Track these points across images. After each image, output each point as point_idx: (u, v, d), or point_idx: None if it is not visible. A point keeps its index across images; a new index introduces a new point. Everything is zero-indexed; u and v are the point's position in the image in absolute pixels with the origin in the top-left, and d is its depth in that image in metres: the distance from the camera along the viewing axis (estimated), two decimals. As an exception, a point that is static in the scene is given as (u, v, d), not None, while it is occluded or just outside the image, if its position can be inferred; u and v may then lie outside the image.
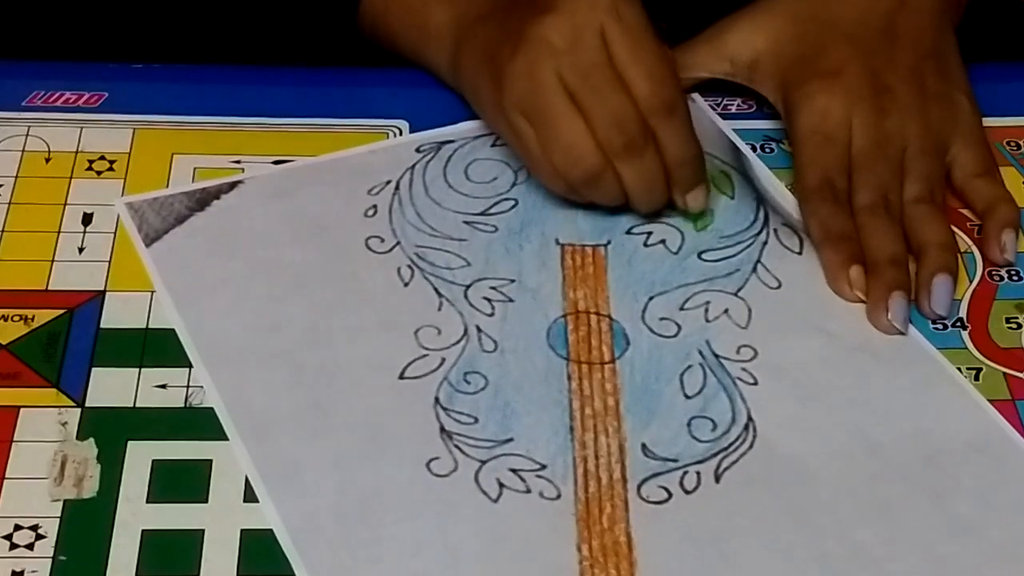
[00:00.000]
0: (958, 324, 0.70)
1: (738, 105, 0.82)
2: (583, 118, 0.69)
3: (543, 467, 0.63)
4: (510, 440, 0.64)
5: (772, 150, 0.79)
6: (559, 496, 0.62)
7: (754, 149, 0.79)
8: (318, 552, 0.60)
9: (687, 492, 0.63)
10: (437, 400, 0.66)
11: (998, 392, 0.67)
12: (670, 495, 0.63)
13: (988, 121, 0.80)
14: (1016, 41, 0.86)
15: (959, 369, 0.68)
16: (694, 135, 0.71)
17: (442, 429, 0.65)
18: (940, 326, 0.70)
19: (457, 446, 0.64)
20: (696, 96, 0.81)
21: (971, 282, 0.73)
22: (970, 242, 0.75)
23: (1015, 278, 0.73)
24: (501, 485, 0.63)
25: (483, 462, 0.63)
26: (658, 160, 0.71)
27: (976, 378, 0.68)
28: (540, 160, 0.72)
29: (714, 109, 0.81)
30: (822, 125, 0.74)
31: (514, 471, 0.63)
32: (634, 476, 0.63)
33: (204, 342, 0.67)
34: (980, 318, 0.71)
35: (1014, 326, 0.70)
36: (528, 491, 0.62)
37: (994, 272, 0.73)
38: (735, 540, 0.61)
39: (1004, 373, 0.68)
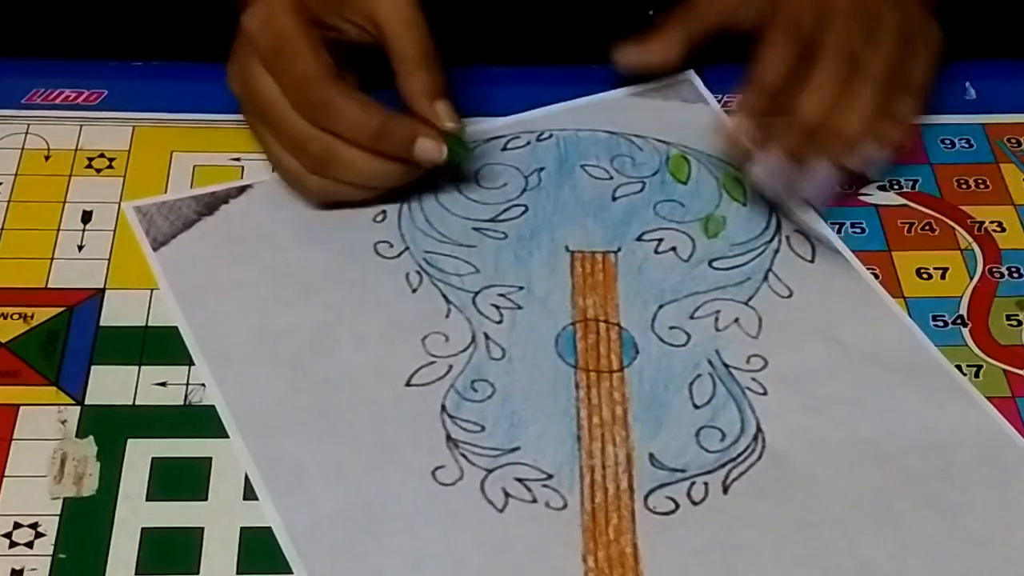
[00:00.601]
0: (958, 321, 0.70)
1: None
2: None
3: (549, 477, 0.63)
4: (517, 449, 0.64)
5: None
6: (565, 506, 0.62)
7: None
8: (322, 560, 0.60)
9: (695, 503, 0.62)
10: (444, 408, 0.65)
11: (998, 389, 0.67)
12: (677, 506, 0.62)
13: (990, 119, 0.80)
14: (1016, 41, 0.85)
15: (959, 367, 0.68)
16: (367, 108, 0.69)
17: (448, 437, 0.64)
18: (941, 323, 0.70)
19: (463, 454, 0.64)
20: (709, 97, 0.81)
21: (971, 279, 0.72)
22: (971, 239, 0.74)
23: (1015, 275, 0.73)
24: (507, 494, 0.62)
25: (489, 471, 0.63)
26: (338, 145, 0.69)
27: (976, 375, 0.68)
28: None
29: (718, 105, 0.80)
30: (797, 29, 0.73)
31: (520, 480, 0.63)
32: (641, 486, 0.63)
33: (211, 346, 0.67)
34: (980, 315, 0.70)
35: (1014, 323, 0.70)
36: (534, 501, 0.62)
37: (994, 269, 0.73)
38: (743, 552, 0.61)
39: (1004, 370, 0.68)
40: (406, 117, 0.70)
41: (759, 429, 0.65)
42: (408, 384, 0.66)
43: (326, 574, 0.59)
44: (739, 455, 0.64)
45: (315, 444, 0.64)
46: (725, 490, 0.63)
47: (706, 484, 0.63)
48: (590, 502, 0.62)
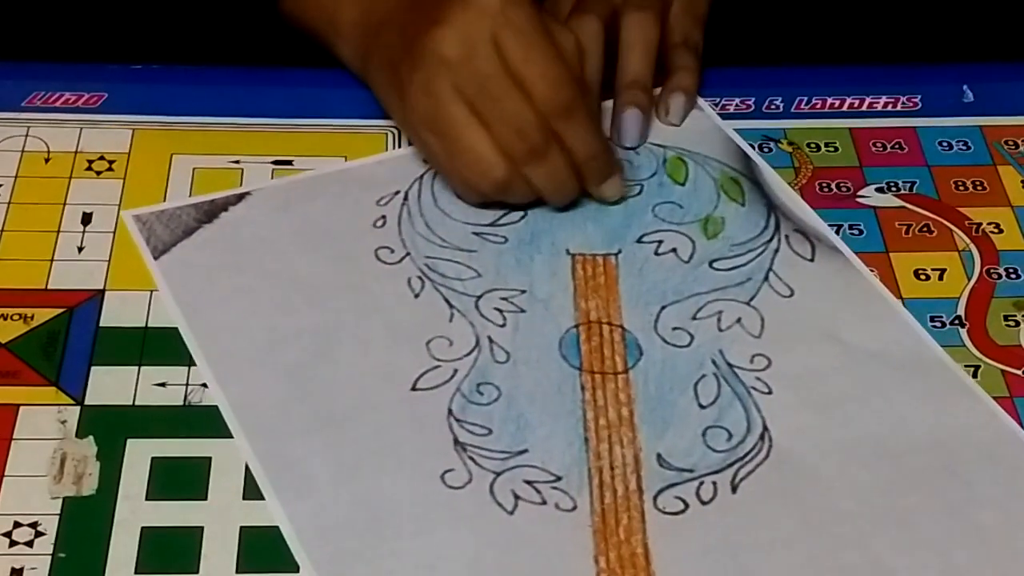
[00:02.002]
0: (956, 322, 0.70)
1: (736, 105, 0.82)
2: (485, 129, 0.70)
3: (558, 478, 0.63)
4: (524, 451, 0.64)
5: (771, 150, 0.79)
6: (575, 508, 0.62)
7: (752, 149, 0.79)
8: (333, 565, 0.59)
9: (704, 503, 0.62)
10: (450, 412, 0.65)
11: (996, 389, 0.68)
12: (687, 506, 0.62)
13: (987, 121, 0.81)
14: (1014, 43, 0.86)
15: (957, 367, 0.69)
16: (597, 129, 0.73)
17: (456, 441, 0.64)
18: (938, 324, 0.70)
19: (471, 458, 0.64)
20: (702, 102, 0.81)
21: (969, 280, 0.73)
22: (968, 241, 0.74)
23: (1013, 276, 0.73)
24: (516, 497, 0.62)
25: (498, 474, 0.63)
26: (564, 158, 0.71)
27: (974, 376, 0.68)
28: (450, 172, 0.72)
29: (712, 109, 0.81)
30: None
31: (529, 483, 0.63)
32: (650, 487, 0.63)
33: (214, 354, 0.67)
34: (978, 316, 0.71)
35: (1012, 324, 0.70)
36: (544, 503, 0.62)
37: (992, 270, 0.73)
38: (753, 551, 0.61)
39: (1002, 371, 0.68)
40: (613, 151, 0.74)
41: (765, 428, 0.65)
42: (414, 388, 0.66)
43: (340, 581, 0.59)
44: (746, 454, 0.64)
45: (322, 449, 0.63)
46: (734, 489, 0.63)
47: (715, 483, 0.63)
48: (599, 503, 0.62)
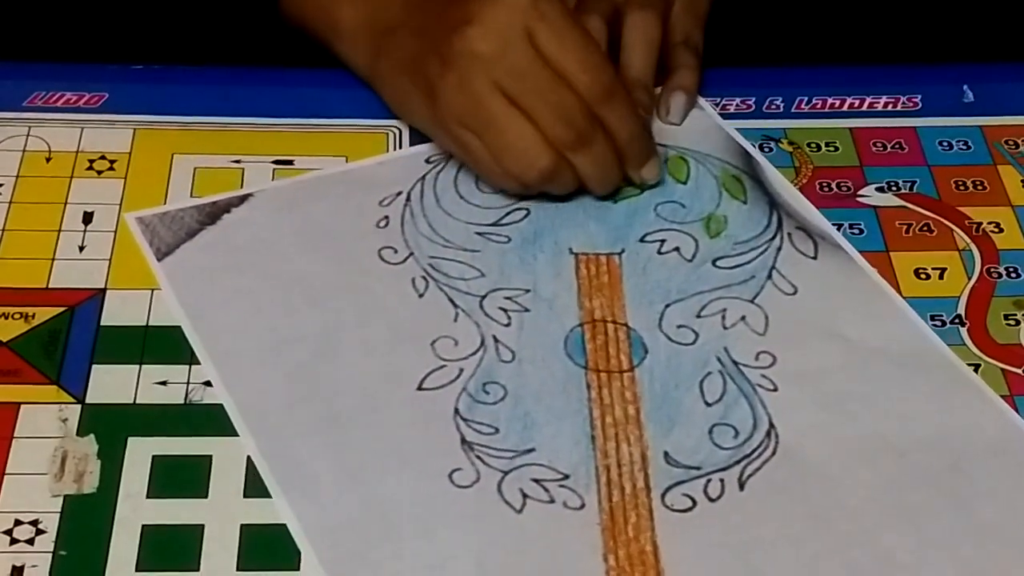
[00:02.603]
0: (956, 321, 0.70)
1: (736, 105, 0.82)
2: (528, 120, 0.70)
3: (566, 477, 0.63)
4: (532, 450, 0.64)
5: (771, 149, 0.79)
6: (583, 506, 0.62)
7: (752, 147, 0.79)
8: (342, 566, 0.59)
9: (711, 500, 0.62)
10: (457, 411, 0.65)
11: (997, 388, 0.68)
12: (694, 503, 0.62)
13: (988, 121, 0.81)
14: (1016, 41, 0.86)
15: (958, 364, 0.69)
16: (636, 111, 0.73)
17: (463, 440, 0.64)
18: (939, 323, 0.70)
19: (479, 457, 0.63)
20: (702, 100, 0.81)
21: (969, 279, 0.73)
22: (969, 240, 0.75)
23: (1013, 275, 0.73)
24: (524, 495, 0.62)
25: (505, 472, 0.63)
26: (609, 144, 0.72)
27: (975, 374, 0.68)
28: (491, 166, 0.72)
29: (713, 108, 0.81)
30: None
31: (537, 481, 0.63)
32: (658, 484, 0.63)
33: (220, 355, 0.67)
34: (978, 315, 0.71)
35: (1012, 323, 0.71)
36: (552, 501, 0.62)
37: (992, 269, 0.73)
38: (761, 548, 0.61)
39: (1002, 369, 0.68)
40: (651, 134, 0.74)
41: (771, 425, 0.65)
42: (420, 388, 0.66)
43: (350, 580, 0.59)
44: (753, 451, 0.64)
45: (330, 449, 0.63)
46: (741, 486, 0.63)
47: (722, 481, 0.63)
48: (607, 501, 0.62)
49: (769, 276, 0.72)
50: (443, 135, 0.74)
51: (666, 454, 0.64)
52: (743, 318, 0.70)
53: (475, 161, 0.73)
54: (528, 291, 0.71)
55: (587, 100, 0.70)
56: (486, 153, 0.72)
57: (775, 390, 0.67)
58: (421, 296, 0.70)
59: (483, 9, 0.70)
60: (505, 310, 0.70)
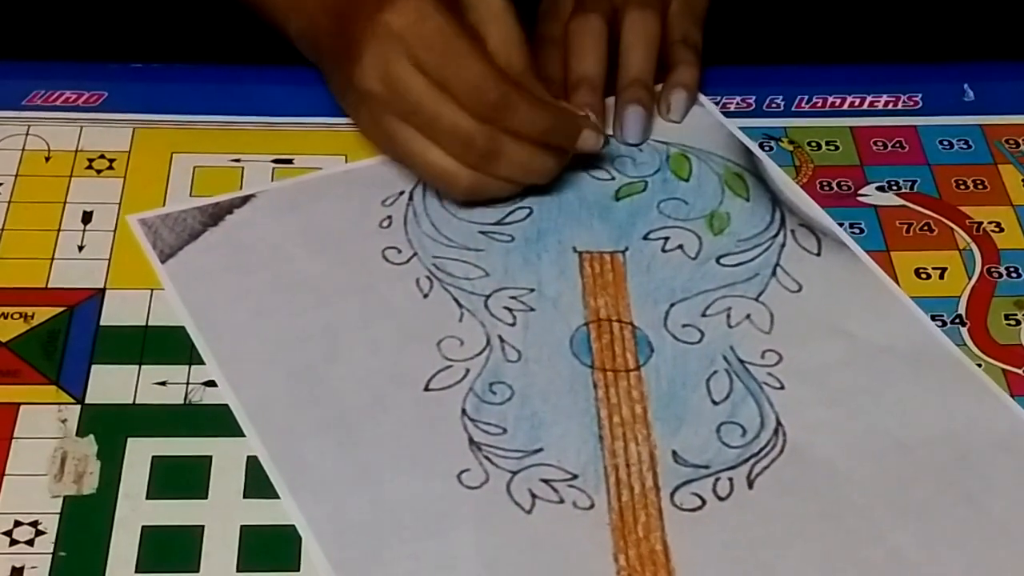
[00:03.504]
0: (957, 321, 0.71)
1: (737, 103, 0.82)
2: (436, 146, 0.71)
3: (575, 477, 0.63)
4: (540, 450, 0.64)
5: (771, 148, 0.79)
6: (592, 506, 0.62)
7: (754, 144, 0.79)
8: (352, 568, 0.59)
9: (721, 499, 0.62)
10: (464, 411, 0.65)
11: (997, 388, 0.68)
12: (704, 502, 0.62)
13: (988, 120, 0.81)
14: (1016, 40, 0.86)
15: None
16: (541, 103, 0.70)
17: (471, 440, 0.64)
18: (939, 323, 0.70)
19: (487, 457, 0.63)
20: (703, 98, 0.81)
21: (970, 279, 0.73)
22: (969, 240, 0.75)
23: (1014, 275, 0.73)
24: (533, 496, 0.62)
25: (514, 473, 0.63)
26: (521, 145, 0.70)
27: (976, 374, 0.69)
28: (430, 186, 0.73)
29: (714, 105, 0.81)
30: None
31: (546, 481, 0.63)
32: (667, 484, 0.63)
33: (225, 358, 0.66)
34: (979, 315, 0.71)
35: (1013, 323, 0.71)
36: (561, 501, 0.62)
37: (993, 269, 0.73)
38: (772, 547, 0.61)
39: (1003, 369, 0.69)
40: (569, 110, 0.72)
41: (779, 423, 0.65)
42: (426, 389, 0.66)
43: (360, 583, 0.59)
44: (761, 450, 0.64)
45: (337, 450, 0.63)
46: (750, 485, 0.63)
47: (731, 479, 0.63)
48: (617, 501, 0.62)
49: (773, 273, 0.72)
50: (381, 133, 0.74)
51: (674, 453, 0.64)
52: (748, 316, 0.70)
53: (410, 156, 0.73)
54: (533, 290, 0.70)
55: (481, 119, 0.69)
56: (417, 176, 0.73)
57: (782, 388, 0.67)
58: (426, 296, 0.70)
59: (366, 44, 0.70)
60: (510, 309, 0.70)
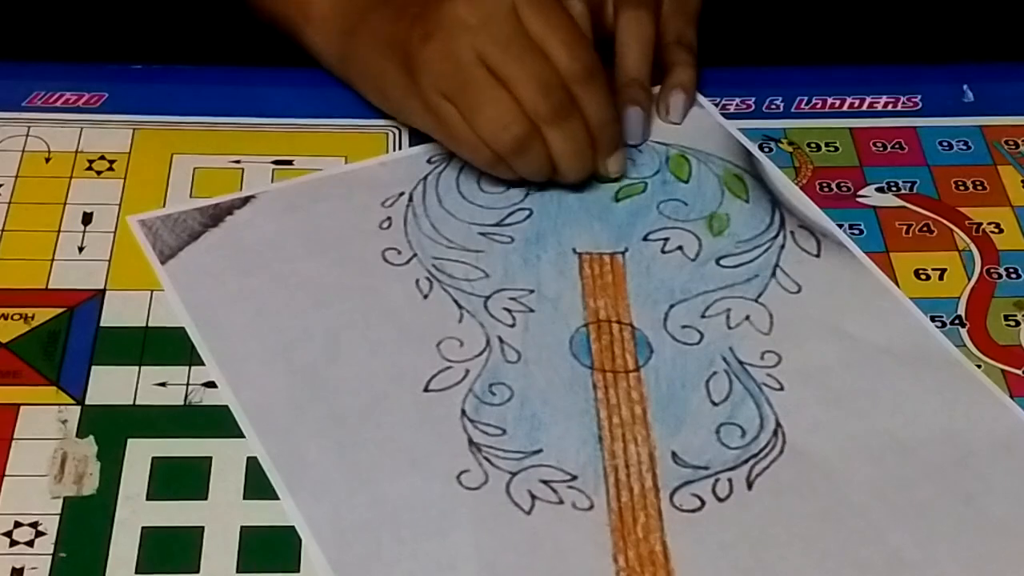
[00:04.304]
0: (956, 322, 0.71)
1: (736, 105, 0.82)
2: (506, 89, 0.70)
3: (574, 477, 0.63)
4: (539, 451, 0.64)
5: (771, 149, 0.79)
6: (592, 506, 0.62)
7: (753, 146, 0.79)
8: (352, 568, 0.59)
9: (720, 500, 0.62)
10: (463, 412, 0.65)
11: (997, 389, 0.68)
12: (703, 503, 0.62)
13: (988, 121, 0.81)
14: (1016, 41, 0.86)
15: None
16: (612, 98, 0.73)
17: (471, 441, 0.64)
18: (939, 324, 0.70)
19: (487, 458, 0.63)
20: (703, 99, 0.81)
21: (969, 280, 0.73)
22: (969, 241, 0.75)
23: (1013, 276, 0.73)
24: (533, 497, 0.62)
25: (513, 474, 0.63)
26: (583, 123, 0.72)
27: (976, 374, 0.69)
28: (465, 135, 0.72)
29: (713, 106, 0.81)
30: None
31: (545, 482, 0.63)
32: (666, 485, 0.63)
33: (226, 359, 0.66)
34: (978, 316, 0.71)
35: (1012, 324, 0.71)
36: (560, 502, 0.62)
37: (992, 270, 0.74)
38: (771, 547, 0.61)
39: (1002, 370, 0.69)
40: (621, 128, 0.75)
41: (778, 424, 0.65)
42: (426, 390, 0.66)
43: (360, 584, 0.59)
44: (760, 451, 0.64)
45: (337, 451, 0.63)
46: (749, 486, 0.63)
47: (730, 480, 0.63)
48: (616, 502, 0.62)
49: (773, 275, 0.72)
50: (418, 107, 0.73)
51: (674, 454, 0.64)
52: (747, 317, 0.70)
53: (449, 130, 0.73)
54: (532, 291, 0.71)
55: (566, 78, 0.70)
56: (461, 121, 0.72)
57: (781, 389, 0.67)
58: (426, 297, 0.70)
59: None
60: (510, 311, 0.70)
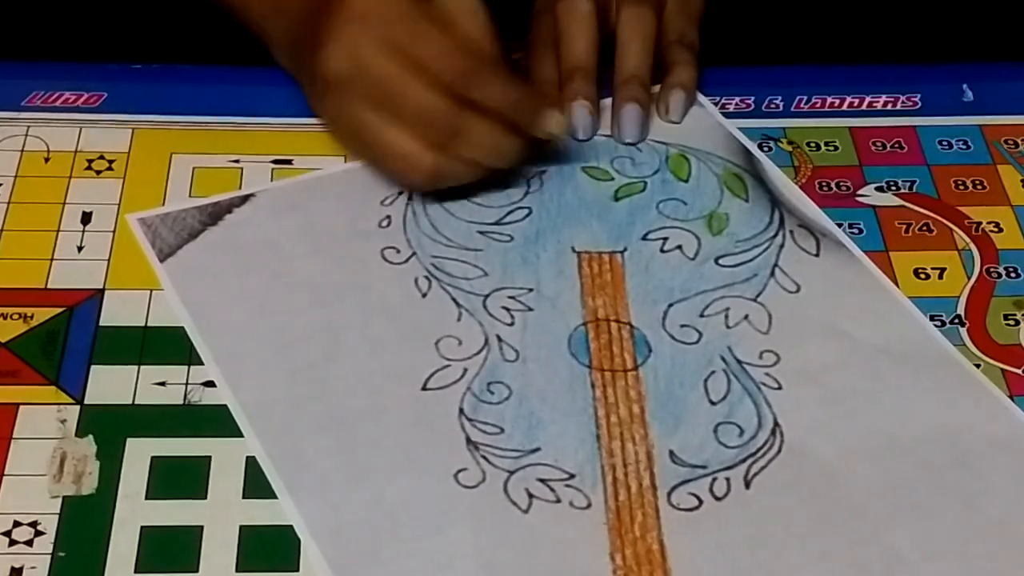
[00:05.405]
0: (956, 321, 0.71)
1: (736, 104, 0.82)
2: (399, 127, 0.70)
3: (572, 476, 0.63)
4: (537, 450, 0.64)
5: (770, 149, 0.79)
6: (589, 505, 0.62)
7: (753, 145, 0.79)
8: (350, 566, 0.59)
9: (717, 499, 0.62)
10: (461, 411, 0.65)
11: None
12: (701, 502, 0.62)
13: (987, 120, 0.81)
14: (1016, 40, 0.86)
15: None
16: (510, 78, 0.71)
17: (468, 440, 0.64)
18: (938, 323, 0.70)
19: (484, 457, 0.63)
20: (703, 98, 0.81)
21: (969, 279, 0.73)
22: (968, 240, 0.75)
23: (1013, 275, 0.73)
24: (530, 495, 0.62)
25: (511, 472, 0.63)
26: (486, 122, 0.70)
27: (975, 374, 0.69)
28: (388, 177, 0.73)
29: (713, 105, 0.81)
30: None
31: (543, 481, 0.63)
32: (664, 483, 0.63)
33: (224, 357, 0.66)
34: (978, 315, 0.71)
35: (1012, 323, 0.71)
36: (558, 501, 0.62)
37: (992, 269, 0.73)
38: (769, 547, 0.61)
39: (1002, 370, 0.69)
40: (535, 90, 0.72)
41: (776, 423, 0.65)
42: (424, 388, 0.66)
43: (357, 582, 0.59)
44: (758, 450, 0.64)
45: (335, 450, 0.63)
46: (747, 485, 0.63)
47: (728, 480, 0.63)
48: (614, 500, 0.62)
49: (772, 274, 0.72)
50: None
51: (671, 453, 0.64)
52: (746, 317, 0.70)
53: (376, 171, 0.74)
54: (531, 290, 0.71)
55: (451, 87, 0.69)
56: (375, 166, 0.73)
57: (779, 388, 0.67)
58: (424, 296, 0.70)
59: (331, 30, 0.70)
60: (508, 309, 0.70)
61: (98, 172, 0.76)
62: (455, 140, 0.70)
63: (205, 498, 0.62)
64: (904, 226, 0.76)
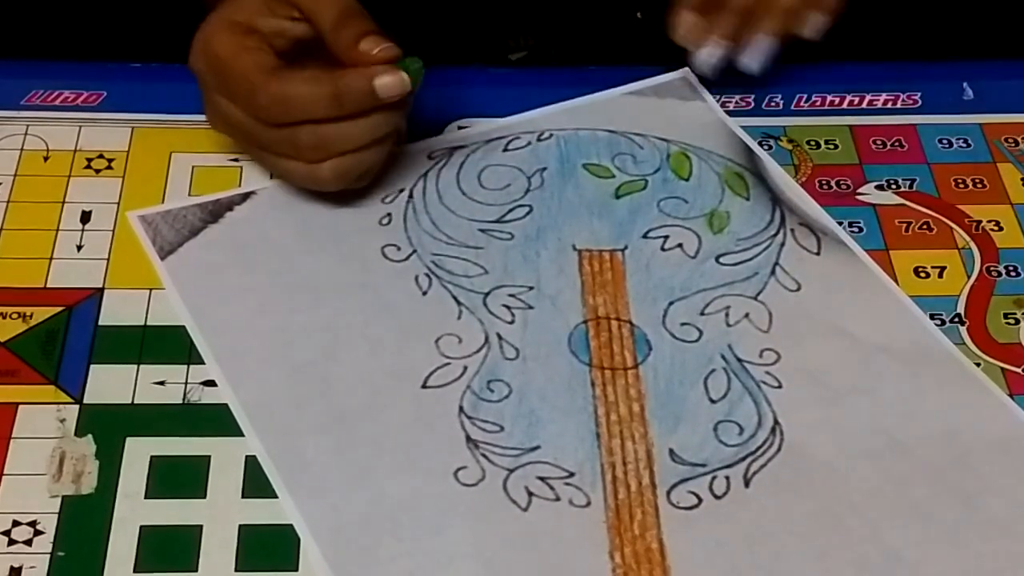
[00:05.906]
0: (956, 320, 0.71)
1: (736, 102, 0.82)
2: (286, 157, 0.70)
3: (571, 474, 0.63)
4: (537, 448, 0.64)
5: (771, 147, 0.79)
6: (589, 503, 0.62)
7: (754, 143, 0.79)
8: (350, 564, 0.59)
9: (717, 497, 0.62)
10: (461, 409, 0.65)
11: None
12: (700, 500, 0.62)
13: (987, 118, 0.81)
14: (1016, 39, 0.86)
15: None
16: (312, 82, 0.68)
17: (468, 438, 0.64)
18: (938, 322, 0.70)
19: (484, 455, 0.63)
20: (706, 94, 0.81)
21: (969, 278, 0.73)
22: (968, 238, 0.75)
23: (1013, 274, 0.73)
24: (530, 494, 0.62)
25: (511, 471, 0.63)
26: (309, 129, 0.69)
27: (975, 373, 0.69)
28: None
29: (716, 103, 0.81)
30: None
31: (542, 479, 0.63)
32: (663, 482, 0.63)
33: (224, 354, 0.67)
34: (978, 314, 0.71)
35: (1012, 322, 0.71)
36: (557, 499, 0.62)
37: (992, 268, 0.74)
38: (768, 545, 0.61)
39: (1002, 368, 0.69)
40: (354, 69, 0.69)
41: (776, 422, 0.65)
42: (424, 386, 0.66)
43: (357, 579, 0.59)
44: (758, 448, 0.64)
45: (335, 448, 0.63)
46: (746, 483, 0.63)
47: (727, 478, 0.63)
48: (613, 499, 0.62)
49: (772, 272, 0.72)
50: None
51: (671, 451, 0.64)
52: (747, 315, 0.70)
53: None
54: (532, 288, 0.71)
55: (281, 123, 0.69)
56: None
57: (779, 387, 0.67)
58: (425, 294, 0.70)
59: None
60: (509, 307, 0.70)
61: (97, 171, 0.75)
62: (327, 146, 0.69)
63: (204, 497, 0.62)
64: (904, 225, 0.76)
